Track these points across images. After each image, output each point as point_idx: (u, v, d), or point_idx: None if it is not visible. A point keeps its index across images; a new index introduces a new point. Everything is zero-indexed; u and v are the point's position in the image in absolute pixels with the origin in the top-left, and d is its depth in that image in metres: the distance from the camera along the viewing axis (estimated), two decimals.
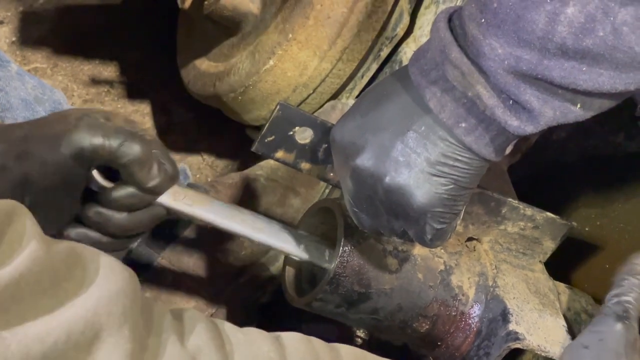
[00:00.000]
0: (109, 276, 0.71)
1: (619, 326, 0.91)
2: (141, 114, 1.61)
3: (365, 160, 0.85)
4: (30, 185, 0.84)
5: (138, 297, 0.74)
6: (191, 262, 1.21)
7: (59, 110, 0.87)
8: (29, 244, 0.67)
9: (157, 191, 0.89)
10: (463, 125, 0.81)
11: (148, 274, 1.22)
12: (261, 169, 1.26)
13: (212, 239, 1.22)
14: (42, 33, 1.65)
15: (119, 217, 0.89)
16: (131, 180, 0.87)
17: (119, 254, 0.92)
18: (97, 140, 0.84)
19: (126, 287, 0.72)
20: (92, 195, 0.88)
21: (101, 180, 0.88)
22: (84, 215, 0.89)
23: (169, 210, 0.91)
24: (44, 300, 0.67)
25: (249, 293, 1.25)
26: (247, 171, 1.27)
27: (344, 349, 0.86)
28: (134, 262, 1.20)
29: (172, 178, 0.89)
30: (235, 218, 0.96)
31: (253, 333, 0.83)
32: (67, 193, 0.87)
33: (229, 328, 0.82)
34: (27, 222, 0.68)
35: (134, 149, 0.85)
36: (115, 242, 0.90)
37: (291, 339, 0.83)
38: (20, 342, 0.64)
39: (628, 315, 0.92)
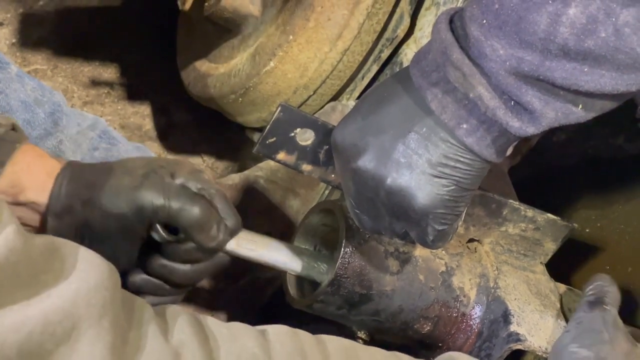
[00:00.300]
0: (88, 269, 0.71)
1: (595, 310, 0.93)
2: (141, 116, 1.61)
3: (366, 162, 0.85)
4: (91, 229, 0.88)
5: (118, 291, 0.74)
6: None
7: (130, 158, 0.91)
8: (4, 230, 0.67)
9: (217, 249, 0.91)
10: (464, 126, 0.81)
11: None
12: (261, 170, 1.26)
13: None
14: (42, 34, 1.65)
15: (183, 268, 0.92)
16: (191, 240, 0.90)
17: (178, 297, 0.95)
18: (158, 202, 0.87)
19: (106, 280, 0.72)
20: (156, 244, 0.91)
21: (164, 233, 0.90)
22: (149, 266, 0.91)
23: (232, 256, 0.94)
24: (21, 291, 0.66)
25: (249, 295, 1.25)
26: (246, 172, 1.27)
27: (331, 341, 0.86)
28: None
29: (233, 232, 0.92)
30: (291, 256, 1.00)
31: (238, 327, 0.83)
32: (127, 242, 0.90)
33: (212, 323, 0.82)
34: (3, 212, 0.68)
35: (192, 213, 0.88)
36: (178, 289, 0.94)
37: (277, 333, 0.84)
38: None
39: (603, 301, 0.95)
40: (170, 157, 1.58)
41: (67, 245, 0.73)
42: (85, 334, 0.69)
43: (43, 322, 0.66)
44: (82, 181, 0.88)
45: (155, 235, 0.90)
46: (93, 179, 0.88)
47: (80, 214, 0.88)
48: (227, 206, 0.92)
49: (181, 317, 0.80)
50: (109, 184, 0.88)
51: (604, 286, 0.96)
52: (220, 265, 0.94)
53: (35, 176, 0.88)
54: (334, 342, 0.87)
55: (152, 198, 0.87)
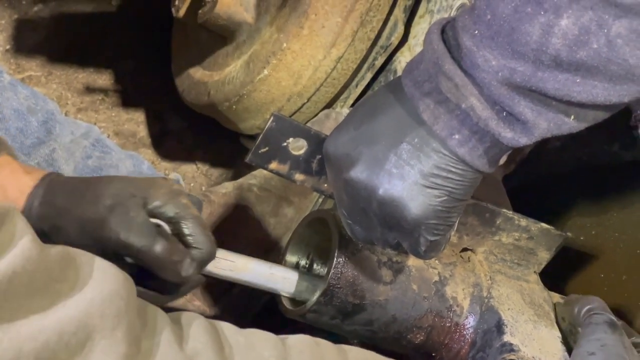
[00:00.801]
0: (103, 278, 0.72)
1: (615, 332, 0.93)
2: (135, 122, 1.60)
3: (358, 173, 0.84)
4: None
5: (133, 300, 0.74)
6: None
7: (107, 177, 0.89)
8: (21, 241, 0.67)
9: (186, 282, 0.90)
10: (456, 137, 0.80)
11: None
12: (254, 179, 1.25)
13: None
14: (37, 41, 1.64)
15: (153, 294, 0.90)
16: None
17: None
18: (119, 239, 0.85)
19: (121, 289, 0.72)
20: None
21: (133, 261, 0.88)
22: None
23: (209, 276, 0.93)
24: (37, 300, 0.67)
25: (243, 303, 1.25)
26: (240, 180, 1.27)
27: (352, 351, 0.86)
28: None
29: (202, 263, 0.90)
30: (269, 276, 1.00)
31: (256, 335, 0.82)
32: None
33: (228, 330, 0.81)
34: (18, 223, 0.69)
35: (153, 253, 0.86)
36: None
37: (297, 342, 0.83)
38: (12, 340, 0.65)
39: (615, 323, 0.95)
40: (165, 164, 1.57)
41: (83, 255, 0.73)
42: (99, 345, 0.69)
43: (59, 332, 0.67)
44: (52, 206, 0.87)
45: (128, 259, 0.89)
46: (62, 204, 0.87)
47: (53, 237, 0.86)
48: (201, 233, 0.90)
49: (196, 323, 0.79)
50: (75, 215, 0.86)
51: (603, 305, 0.97)
52: (195, 285, 0.92)
53: (7, 193, 0.87)
54: (354, 353, 0.86)
55: (113, 235, 0.85)
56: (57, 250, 0.71)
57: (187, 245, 0.89)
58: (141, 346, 0.73)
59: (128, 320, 0.72)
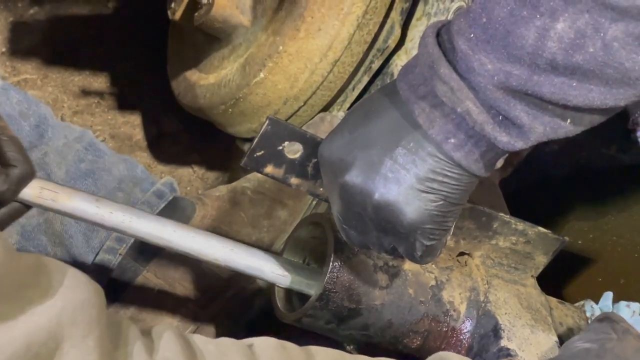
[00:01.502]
0: (74, 286, 0.71)
1: (604, 322, 0.91)
2: (131, 126, 1.60)
3: (353, 177, 0.84)
4: None
5: (104, 310, 0.73)
6: (177, 276, 1.20)
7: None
8: None
9: (6, 199, 0.87)
10: (452, 141, 0.80)
11: (133, 288, 1.21)
12: (248, 182, 1.25)
13: None
14: (32, 44, 1.64)
15: None
16: None
17: None
18: None
19: (92, 298, 0.72)
20: None
21: None
22: None
23: (31, 206, 0.90)
24: (6, 305, 0.66)
25: (236, 307, 1.24)
26: (234, 184, 1.26)
27: (320, 353, 0.85)
28: (119, 275, 1.19)
29: (21, 180, 0.88)
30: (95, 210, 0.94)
31: (225, 344, 0.81)
32: None
33: (199, 340, 0.81)
34: None
35: None
36: None
37: (264, 347, 0.82)
38: None
39: (612, 317, 0.93)
40: (161, 167, 1.57)
41: (55, 263, 0.73)
42: (68, 354, 0.68)
43: (27, 342, 0.66)
44: None
45: None
46: None
47: None
48: (17, 152, 0.88)
49: (167, 334, 0.79)
50: None
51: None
52: (15, 214, 0.90)
53: None
54: (322, 354, 0.86)
55: None
56: (29, 257, 0.71)
57: (2, 164, 0.88)
58: (113, 356, 0.72)
59: (100, 330, 0.71)
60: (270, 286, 1.04)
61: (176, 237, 0.97)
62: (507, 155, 0.83)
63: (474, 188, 0.84)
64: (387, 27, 1.27)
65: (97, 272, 1.18)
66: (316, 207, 1.24)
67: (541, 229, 1.08)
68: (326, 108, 1.33)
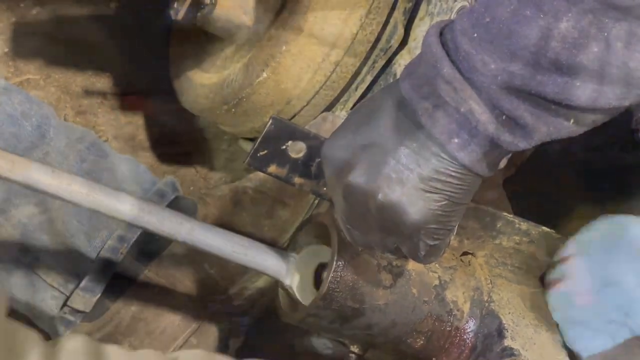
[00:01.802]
0: None
1: None
2: (134, 126, 1.60)
3: (357, 177, 0.84)
4: None
5: (2, 318, 0.69)
6: (178, 275, 1.21)
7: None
8: None
9: None
10: (456, 140, 0.80)
11: (134, 287, 1.21)
12: (250, 181, 1.25)
13: (200, 252, 1.21)
14: (35, 44, 1.64)
15: None
16: None
17: None
18: None
19: None
20: None
21: None
22: None
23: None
24: None
25: (238, 307, 1.24)
26: (236, 183, 1.26)
27: None
28: (120, 275, 1.20)
29: None
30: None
31: (145, 357, 0.79)
32: None
33: (114, 352, 0.76)
34: None
35: None
36: None
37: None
38: None
39: None
40: (164, 167, 1.57)
41: None
42: None
43: None
44: None
45: None
46: None
47: None
48: None
49: (73, 346, 0.74)
50: None
51: None
52: None
53: None
54: None
55: None
56: None
57: None
58: None
59: None
60: (273, 286, 1.04)
61: (127, 207, 0.95)
62: (510, 155, 0.83)
63: (477, 188, 0.85)
64: (390, 26, 1.27)
65: (99, 271, 1.18)
66: (318, 206, 1.25)
67: (545, 228, 1.08)
68: (329, 108, 1.33)
